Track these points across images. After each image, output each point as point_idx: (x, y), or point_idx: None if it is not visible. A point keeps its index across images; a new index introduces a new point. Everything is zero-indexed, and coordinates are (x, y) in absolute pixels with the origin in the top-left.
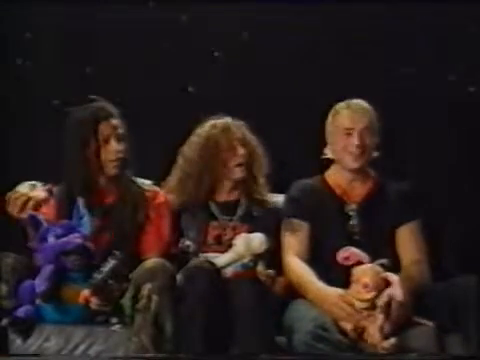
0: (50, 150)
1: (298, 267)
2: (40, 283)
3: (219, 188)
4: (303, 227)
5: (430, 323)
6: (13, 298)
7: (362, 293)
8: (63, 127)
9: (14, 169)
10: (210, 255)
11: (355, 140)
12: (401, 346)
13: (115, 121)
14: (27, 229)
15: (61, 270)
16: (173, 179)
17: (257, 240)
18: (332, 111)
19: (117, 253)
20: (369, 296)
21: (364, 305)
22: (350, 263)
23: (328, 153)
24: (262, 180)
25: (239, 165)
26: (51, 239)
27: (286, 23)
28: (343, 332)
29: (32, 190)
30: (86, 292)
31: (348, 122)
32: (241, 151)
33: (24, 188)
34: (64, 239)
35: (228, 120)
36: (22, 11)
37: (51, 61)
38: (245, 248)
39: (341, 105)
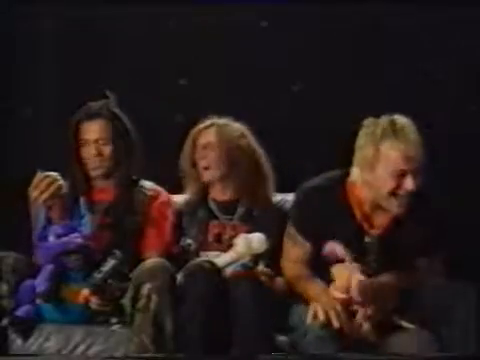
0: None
1: (300, 270)
2: (40, 283)
3: (217, 188)
4: (304, 246)
5: (411, 325)
6: (13, 298)
7: (334, 292)
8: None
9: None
10: (210, 254)
11: (409, 184)
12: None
13: (98, 124)
14: (34, 221)
15: (62, 270)
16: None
17: (257, 240)
18: (370, 131)
19: (117, 253)
20: (338, 296)
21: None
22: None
23: (355, 175)
24: (263, 180)
25: (205, 168)
26: (51, 238)
27: (290, 23)
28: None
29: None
30: (86, 291)
31: (401, 161)
32: (208, 154)
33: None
34: (65, 239)
35: (215, 121)
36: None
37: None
38: (246, 248)
39: (386, 127)
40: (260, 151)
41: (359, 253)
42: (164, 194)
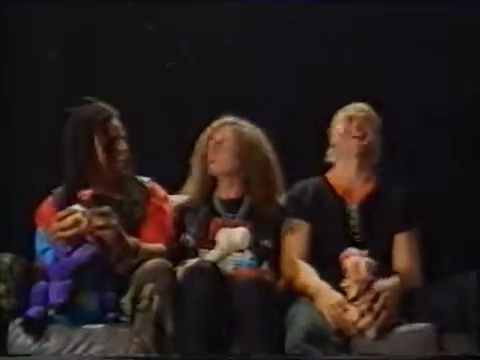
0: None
1: (301, 265)
2: (57, 295)
3: (223, 185)
4: (303, 227)
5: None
6: (11, 298)
7: (343, 283)
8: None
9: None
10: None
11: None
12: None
13: (118, 122)
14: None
15: (78, 284)
16: (191, 175)
17: (239, 235)
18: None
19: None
20: (344, 284)
21: (351, 294)
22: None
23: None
24: (271, 180)
25: (213, 162)
26: (63, 258)
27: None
28: (337, 333)
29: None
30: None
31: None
32: (220, 149)
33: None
34: (75, 255)
35: (233, 120)
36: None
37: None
38: (227, 243)
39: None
40: (272, 153)
41: (343, 222)
42: (160, 188)
